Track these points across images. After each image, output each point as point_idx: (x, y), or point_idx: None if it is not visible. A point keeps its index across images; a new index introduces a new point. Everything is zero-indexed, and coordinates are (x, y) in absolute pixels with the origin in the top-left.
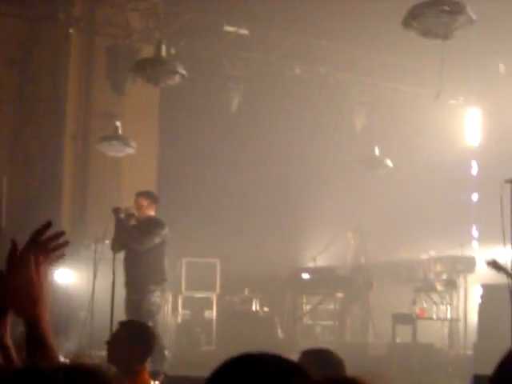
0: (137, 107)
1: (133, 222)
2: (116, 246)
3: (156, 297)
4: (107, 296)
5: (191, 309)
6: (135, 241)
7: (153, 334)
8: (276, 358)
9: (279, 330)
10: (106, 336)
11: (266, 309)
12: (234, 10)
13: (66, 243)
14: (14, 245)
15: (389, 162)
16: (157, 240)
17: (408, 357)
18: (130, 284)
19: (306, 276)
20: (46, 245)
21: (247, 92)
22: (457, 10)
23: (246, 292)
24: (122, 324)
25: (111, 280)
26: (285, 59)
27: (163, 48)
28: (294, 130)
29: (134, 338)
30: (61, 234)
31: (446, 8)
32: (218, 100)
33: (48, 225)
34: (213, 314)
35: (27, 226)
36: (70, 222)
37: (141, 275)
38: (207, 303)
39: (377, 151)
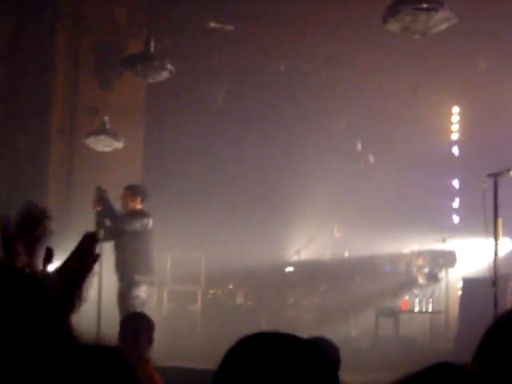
0: (122, 102)
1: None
2: (104, 234)
3: (142, 290)
4: (95, 289)
5: (176, 302)
6: (115, 222)
7: (153, 324)
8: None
9: (263, 323)
10: (94, 327)
11: (250, 302)
12: (220, 6)
13: (48, 217)
14: (7, 222)
15: (371, 157)
16: (137, 224)
17: (390, 349)
18: (120, 276)
19: (289, 269)
20: (33, 225)
21: (232, 88)
22: (435, 7)
23: (231, 285)
24: (126, 318)
25: (98, 271)
26: (269, 56)
27: (152, 44)
28: (277, 126)
29: (141, 330)
30: (43, 210)
31: (424, 5)
32: (203, 95)
33: (30, 206)
34: (197, 307)
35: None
36: (55, 216)
37: (128, 267)
38: (192, 296)
39: (359, 146)
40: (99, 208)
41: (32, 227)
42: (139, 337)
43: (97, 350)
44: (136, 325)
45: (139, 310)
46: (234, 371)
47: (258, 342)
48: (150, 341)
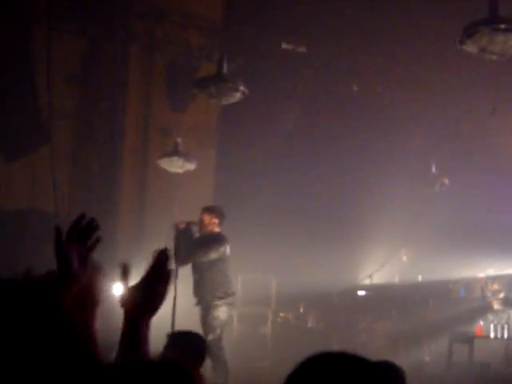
0: (195, 123)
1: (196, 235)
2: (179, 260)
3: (220, 311)
4: (168, 311)
5: (246, 324)
6: (191, 253)
7: (202, 344)
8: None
9: (334, 347)
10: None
11: (321, 325)
12: (292, 27)
13: (97, 226)
14: (59, 233)
15: (445, 179)
16: (213, 255)
17: (464, 376)
18: (197, 299)
19: (361, 293)
20: (83, 233)
21: (304, 110)
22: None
23: (301, 308)
24: (170, 336)
25: (173, 295)
26: (341, 78)
27: (225, 65)
28: (350, 148)
29: (182, 349)
30: (92, 220)
31: (502, 26)
32: (276, 118)
33: (82, 216)
34: (268, 329)
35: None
36: (127, 237)
37: (205, 292)
38: (262, 319)
39: (433, 168)
40: (183, 226)
41: (82, 237)
42: (185, 354)
43: (162, 364)
44: (169, 345)
45: (218, 330)
46: None
47: (324, 361)
48: (195, 359)
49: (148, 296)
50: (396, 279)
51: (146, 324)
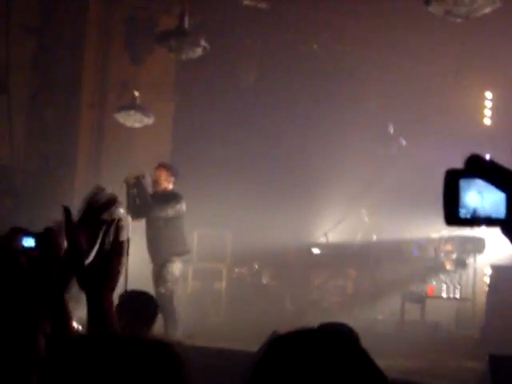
0: (153, 78)
1: (148, 188)
2: (135, 214)
3: (175, 267)
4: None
5: (201, 280)
6: (149, 209)
7: (153, 304)
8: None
9: (288, 304)
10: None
11: (275, 282)
12: None
13: (114, 201)
14: (68, 212)
15: (402, 140)
16: (170, 212)
17: (416, 335)
18: (153, 258)
19: (316, 251)
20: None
21: (263, 67)
22: None
23: (256, 265)
24: (121, 296)
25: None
26: (302, 35)
27: (186, 20)
28: (308, 106)
29: (134, 309)
30: (113, 199)
31: None
32: (235, 73)
33: (98, 189)
34: (222, 285)
35: (42, 189)
36: (83, 190)
37: (161, 248)
38: (217, 275)
39: (391, 129)
40: (133, 180)
41: (98, 215)
42: (126, 316)
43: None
44: (121, 306)
45: (169, 284)
46: (272, 371)
47: (296, 340)
48: (147, 319)
49: (103, 275)
50: (358, 239)
51: (107, 299)
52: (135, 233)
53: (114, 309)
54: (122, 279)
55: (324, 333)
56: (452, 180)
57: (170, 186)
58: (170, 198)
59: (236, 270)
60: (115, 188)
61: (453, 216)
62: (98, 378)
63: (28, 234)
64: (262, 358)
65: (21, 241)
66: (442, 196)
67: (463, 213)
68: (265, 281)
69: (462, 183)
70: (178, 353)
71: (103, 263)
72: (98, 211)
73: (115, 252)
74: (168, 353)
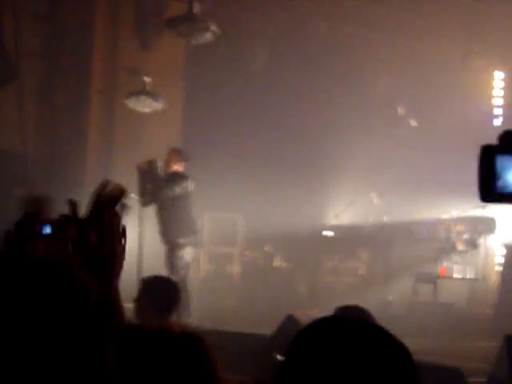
0: (163, 63)
1: (158, 172)
2: (146, 199)
3: (185, 252)
4: (134, 248)
5: (213, 263)
6: (157, 190)
7: (176, 289)
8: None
9: (300, 286)
10: (133, 288)
11: (287, 265)
12: None
13: (123, 192)
14: (74, 207)
15: (412, 122)
16: (177, 190)
17: (428, 316)
18: (163, 240)
19: (328, 233)
20: (109, 204)
21: (273, 50)
22: None
23: (268, 248)
24: (144, 281)
25: (138, 231)
26: (311, 17)
27: (195, 5)
28: (317, 88)
29: (157, 294)
30: (122, 191)
31: None
32: (244, 57)
33: (106, 183)
34: (235, 268)
35: (54, 177)
36: (94, 174)
37: (169, 229)
38: (229, 258)
39: (401, 110)
40: (146, 166)
41: (107, 209)
42: (147, 301)
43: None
44: (144, 291)
45: (182, 272)
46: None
47: (327, 328)
48: (169, 305)
49: (107, 261)
50: (369, 221)
51: (114, 286)
52: (149, 216)
53: (138, 294)
54: (135, 263)
55: (355, 324)
56: (488, 156)
57: (180, 169)
58: (178, 177)
59: (248, 253)
60: (124, 177)
61: (490, 191)
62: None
63: (45, 221)
64: (289, 353)
65: (36, 227)
66: (478, 172)
67: (500, 187)
68: (277, 264)
69: (499, 159)
70: (208, 346)
71: (105, 250)
72: (108, 204)
73: (117, 238)
74: (201, 345)
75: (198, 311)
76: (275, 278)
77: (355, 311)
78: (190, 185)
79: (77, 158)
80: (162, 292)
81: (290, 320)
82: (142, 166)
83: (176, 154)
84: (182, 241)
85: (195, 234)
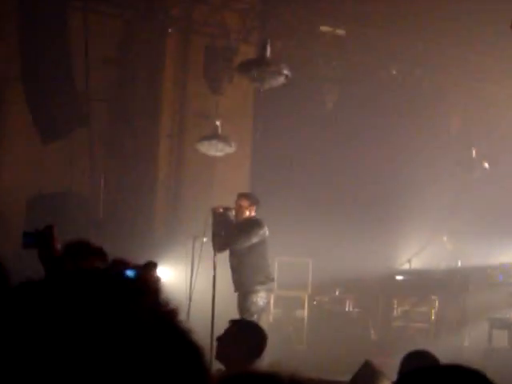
0: (232, 107)
1: (232, 219)
2: (216, 246)
3: (259, 297)
4: (207, 293)
5: (283, 308)
6: (233, 239)
7: (263, 335)
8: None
9: (372, 331)
10: (206, 333)
11: (358, 310)
12: (331, 10)
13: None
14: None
15: (486, 164)
16: (254, 239)
17: (504, 362)
18: (236, 285)
19: (400, 278)
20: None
21: (342, 93)
22: None
23: (337, 292)
24: (234, 322)
25: (212, 275)
26: (380, 60)
27: (268, 48)
28: (388, 131)
29: (244, 336)
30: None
31: None
32: (313, 101)
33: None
34: (304, 313)
35: (123, 220)
36: (163, 218)
37: (245, 276)
38: (299, 303)
39: (474, 153)
40: (221, 211)
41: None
42: (233, 342)
43: None
44: (231, 331)
45: (255, 316)
46: None
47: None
48: (255, 349)
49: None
50: (442, 266)
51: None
52: (220, 260)
53: (225, 334)
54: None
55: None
56: None
57: (252, 214)
58: (253, 224)
59: (317, 297)
60: (193, 220)
61: None
62: None
63: (130, 267)
64: None
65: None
66: None
67: None
68: (347, 308)
69: None
70: None
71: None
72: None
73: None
74: None
75: (267, 355)
76: (345, 322)
77: (423, 357)
78: (266, 232)
79: (145, 200)
80: (254, 335)
81: (367, 366)
82: (217, 211)
83: (246, 198)
84: (257, 287)
85: (272, 280)
